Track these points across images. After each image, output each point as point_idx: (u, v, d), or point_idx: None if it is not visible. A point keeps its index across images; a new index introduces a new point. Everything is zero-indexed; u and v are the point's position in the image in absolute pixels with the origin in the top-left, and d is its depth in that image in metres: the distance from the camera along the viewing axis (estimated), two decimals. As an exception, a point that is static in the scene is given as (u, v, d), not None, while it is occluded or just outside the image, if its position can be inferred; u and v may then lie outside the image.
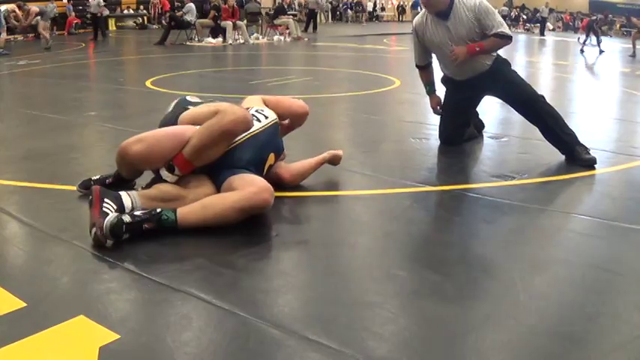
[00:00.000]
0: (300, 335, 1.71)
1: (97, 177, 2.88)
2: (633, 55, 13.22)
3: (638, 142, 4.63)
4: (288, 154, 3.18)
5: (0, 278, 2.02)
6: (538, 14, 25.96)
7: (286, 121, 3.21)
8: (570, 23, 30.09)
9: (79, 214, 2.58)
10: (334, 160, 3.27)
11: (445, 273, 2.15)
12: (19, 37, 15.42)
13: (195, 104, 2.88)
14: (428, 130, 4.50)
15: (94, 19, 15.53)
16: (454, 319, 1.83)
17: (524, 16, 29.86)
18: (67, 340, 1.67)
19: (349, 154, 3.57)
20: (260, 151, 2.77)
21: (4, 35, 11.60)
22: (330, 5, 28.73)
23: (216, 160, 2.59)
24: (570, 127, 3.67)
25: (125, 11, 21.37)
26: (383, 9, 33.73)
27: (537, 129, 3.74)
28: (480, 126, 4.33)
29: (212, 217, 2.41)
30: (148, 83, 7.07)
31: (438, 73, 4.09)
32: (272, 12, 17.16)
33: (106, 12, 17.37)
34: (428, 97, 4.17)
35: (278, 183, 2.88)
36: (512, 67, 3.92)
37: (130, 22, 21.16)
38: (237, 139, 2.64)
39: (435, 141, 4.12)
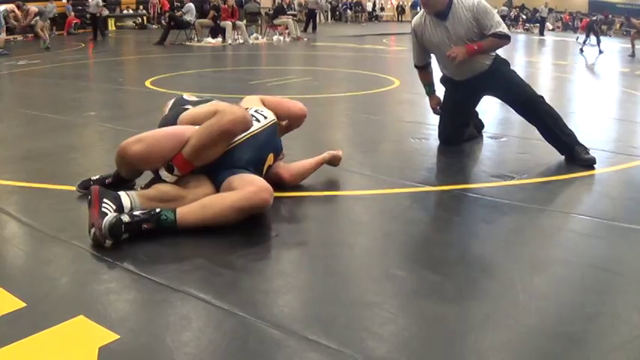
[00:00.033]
0: (300, 335, 1.71)
1: (97, 177, 2.87)
2: (632, 55, 13.23)
3: (638, 141, 4.64)
4: (288, 154, 3.18)
5: (-1, 278, 2.02)
6: (537, 14, 25.98)
7: (284, 122, 3.21)
8: (570, 23, 30.11)
9: (78, 214, 2.58)
10: (334, 161, 3.27)
11: (444, 273, 2.15)
12: (19, 37, 15.41)
13: (192, 103, 2.88)
14: (427, 130, 4.50)
15: (93, 19, 15.53)
16: (453, 319, 1.83)
17: (524, 16, 29.86)
18: (66, 340, 1.67)
19: (348, 154, 3.57)
20: (259, 151, 2.77)
21: (3, 35, 11.59)
22: (329, 5, 28.74)
23: (216, 160, 2.59)
24: (569, 127, 3.67)
25: (125, 11, 21.37)
26: (382, 9, 33.73)
27: (536, 129, 3.74)
28: (479, 126, 4.33)
29: (211, 217, 2.41)
30: (147, 83, 7.07)
31: (437, 74, 4.09)
32: (271, 12, 17.16)
33: (106, 12, 17.39)
34: (428, 97, 4.18)
35: (278, 183, 2.88)
36: (512, 67, 3.92)
37: (130, 22, 21.17)
38: (236, 139, 2.64)
39: (434, 141, 4.12)
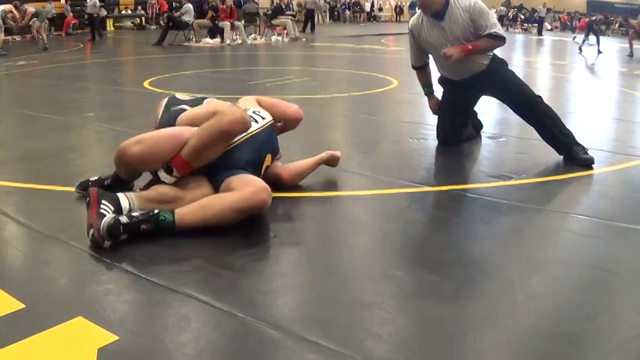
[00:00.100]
0: (299, 336, 1.71)
1: (95, 178, 2.87)
2: (631, 55, 13.24)
3: (636, 141, 4.65)
4: (287, 154, 3.18)
5: (-2, 280, 2.02)
6: (536, 14, 26.00)
7: (279, 124, 3.21)
8: (568, 23, 30.14)
9: (76, 215, 2.58)
10: (332, 162, 3.27)
11: (443, 273, 2.15)
12: (17, 38, 15.40)
13: (186, 102, 2.87)
14: (426, 130, 4.50)
15: (91, 19, 15.52)
16: (452, 320, 1.83)
17: (522, 16, 29.89)
18: (65, 341, 1.67)
19: (347, 154, 3.57)
20: (258, 152, 2.77)
21: (1, 36, 11.59)
22: (328, 5, 28.75)
23: (215, 161, 2.59)
24: (568, 126, 3.68)
25: (123, 12, 21.37)
26: (380, 9, 33.75)
27: (535, 129, 3.74)
28: (478, 126, 4.34)
29: (210, 218, 2.41)
30: (146, 84, 7.07)
31: (435, 74, 4.09)
32: (270, 12, 17.16)
33: (104, 13, 17.38)
34: (426, 98, 4.18)
35: (277, 183, 2.88)
36: (510, 67, 3.93)
37: (128, 23, 21.16)
38: (235, 139, 2.64)
39: (432, 141, 4.12)
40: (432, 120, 4.29)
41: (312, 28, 19.40)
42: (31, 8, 13.52)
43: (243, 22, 15.35)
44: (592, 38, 15.43)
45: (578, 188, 3.33)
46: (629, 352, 1.65)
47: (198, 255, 2.28)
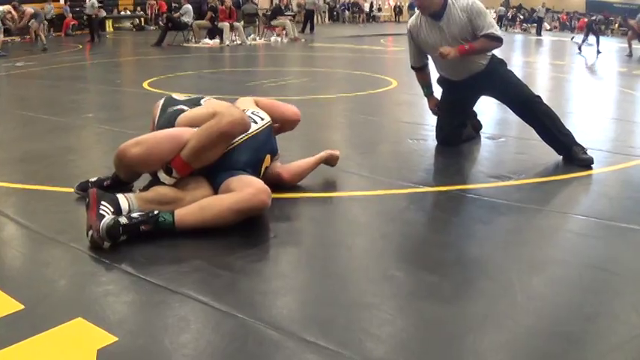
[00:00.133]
0: (298, 337, 1.71)
1: (95, 179, 2.87)
2: (630, 55, 13.25)
3: (635, 141, 4.65)
4: (286, 154, 3.18)
5: (-3, 281, 2.02)
6: (535, 14, 26.02)
7: (276, 125, 3.21)
8: (567, 23, 30.16)
9: (76, 216, 2.58)
10: (331, 161, 3.27)
11: (442, 274, 2.15)
12: (17, 39, 15.40)
13: (183, 103, 2.87)
14: (425, 130, 4.50)
15: (90, 20, 15.52)
16: (451, 320, 1.83)
17: (521, 16, 29.91)
18: (65, 342, 1.67)
19: (346, 155, 3.57)
20: (257, 153, 2.77)
21: (1, 37, 11.58)
22: (327, 6, 28.76)
23: (214, 162, 2.59)
24: (567, 127, 3.68)
25: (122, 12, 21.37)
26: (380, 10, 33.77)
27: (534, 129, 3.75)
28: (477, 126, 4.34)
29: (210, 219, 2.41)
30: (145, 85, 7.07)
31: (435, 75, 4.09)
32: (269, 13, 17.17)
33: (103, 14, 17.37)
34: (426, 98, 4.18)
35: (277, 183, 2.89)
36: (509, 67, 3.93)
37: (127, 24, 21.17)
38: (235, 140, 2.64)
39: (432, 142, 4.12)
40: (432, 121, 4.30)
41: (312, 28, 19.40)
42: (29, 9, 13.51)
43: (242, 22, 15.36)
44: (591, 38, 15.43)
45: (578, 188, 3.33)
46: (629, 352, 1.65)
47: (197, 256, 2.28)
